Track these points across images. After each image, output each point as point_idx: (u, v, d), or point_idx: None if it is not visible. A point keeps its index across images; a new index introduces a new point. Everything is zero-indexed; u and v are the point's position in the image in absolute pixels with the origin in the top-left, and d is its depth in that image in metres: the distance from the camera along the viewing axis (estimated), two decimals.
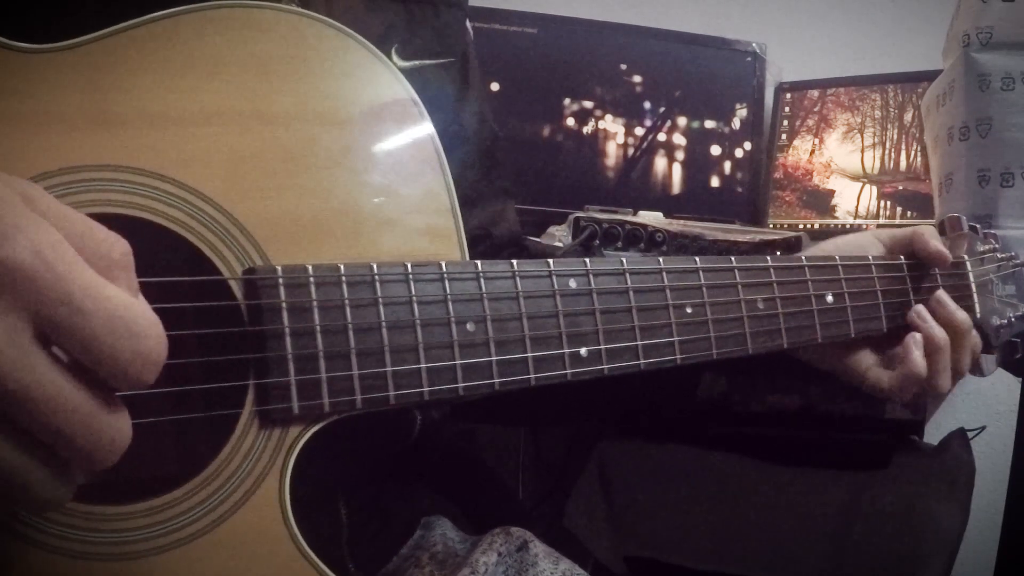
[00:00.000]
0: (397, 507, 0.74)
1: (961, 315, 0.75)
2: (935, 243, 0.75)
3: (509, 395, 0.55)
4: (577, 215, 1.25)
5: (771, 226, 1.62)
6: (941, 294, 0.75)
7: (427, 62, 0.74)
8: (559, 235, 1.25)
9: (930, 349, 0.72)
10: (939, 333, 0.73)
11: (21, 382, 0.32)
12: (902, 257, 0.77)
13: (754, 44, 1.64)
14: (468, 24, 0.83)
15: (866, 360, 0.75)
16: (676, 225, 1.24)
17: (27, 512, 0.40)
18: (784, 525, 1.27)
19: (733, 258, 0.64)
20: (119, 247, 0.35)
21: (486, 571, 0.67)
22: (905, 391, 0.72)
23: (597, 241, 1.19)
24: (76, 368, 0.34)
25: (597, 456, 1.37)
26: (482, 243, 0.81)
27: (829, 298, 0.70)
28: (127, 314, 0.34)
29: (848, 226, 1.56)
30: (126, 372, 0.34)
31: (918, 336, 0.73)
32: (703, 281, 0.62)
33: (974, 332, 0.76)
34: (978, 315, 0.79)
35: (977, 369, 0.78)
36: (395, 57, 0.70)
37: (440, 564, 0.70)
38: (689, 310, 0.61)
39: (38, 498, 0.34)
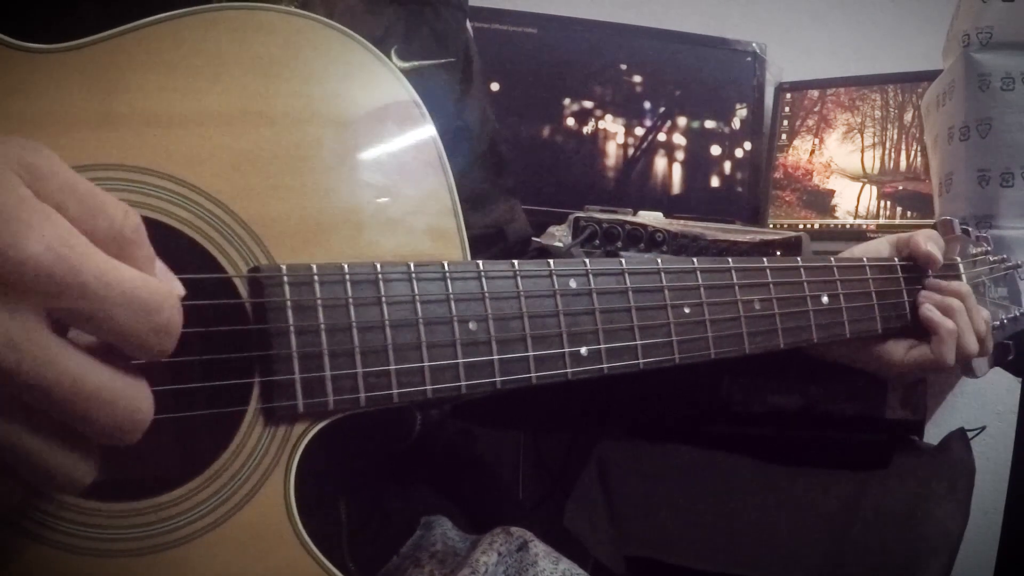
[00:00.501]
0: (397, 506, 0.75)
1: (957, 283, 0.79)
2: (927, 245, 0.77)
3: (516, 399, 0.55)
4: (577, 215, 1.25)
5: (771, 226, 1.62)
6: (930, 281, 0.78)
7: (427, 63, 0.75)
8: (559, 235, 1.25)
9: (948, 314, 0.75)
10: (951, 301, 0.76)
11: (44, 377, 0.32)
12: (896, 259, 0.77)
13: (754, 44, 1.64)
14: (468, 24, 0.83)
15: (899, 348, 0.77)
16: (676, 225, 1.24)
17: (54, 491, 0.40)
18: (784, 525, 1.27)
19: (730, 259, 0.65)
20: (130, 222, 0.35)
21: (486, 571, 0.67)
22: (948, 353, 0.75)
23: (619, 244, 1.19)
24: (93, 349, 0.34)
25: (597, 456, 1.37)
26: (497, 242, 0.81)
27: (825, 299, 0.70)
28: (141, 292, 0.34)
29: (848, 226, 1.56)
30: (146, 346, 0.35)
31: (930, 306, 0.76)
32: (701, 282, 0.62)
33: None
34: None
35: (969, 371, 0.79)
36: (395, 58, 0.71)
37: (440, 563, 0.71)
38: (687, 310, 0.61)
39: (62, 481, 0.35)
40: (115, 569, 0.43)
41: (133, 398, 0.35)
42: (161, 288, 0.35)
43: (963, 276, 0.81)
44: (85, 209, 0.34)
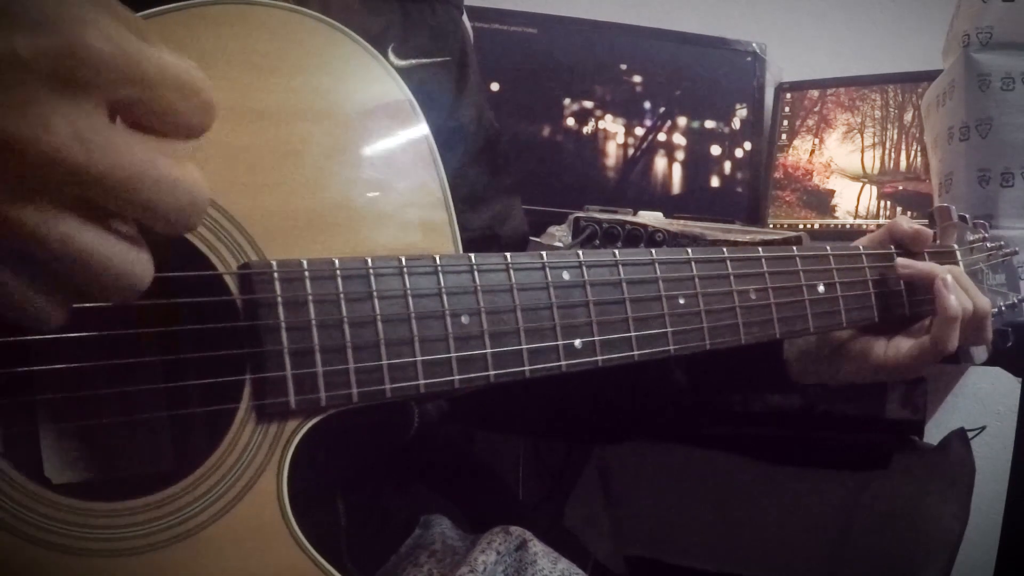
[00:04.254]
0: (396, 506, 0.74)
1: (931, 264, 0.76)
2: (909, 223, 0.76)
3: (514, 402, 0.55)
4: (577, 215, 1.25)
5: (771, 226, 1.61)
6: (901, 260, 0.76)
7: (424, 61, 0.75)
8: (559, 235, 1.25)
9: (938, 284, 0.73)
10: (933, 269, 0.74)
11: (113, 165, 0.32)
12: (893, 247, 0.77)
13: (754, 44, 1.64)
14: (467, 22, 0.83)
15: (904, 344, 0.75)
16: (676, 225, 1.23)
17: (112, 297, 0.36)
18: (784, 525, 1.27)
19: (725, 249, 0.65)
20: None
21: (485, 570, 0.66)
22: (951, 337, 0.72)
23: (620, 244, 1.19)
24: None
25: (597, 456, 1.37)
26: (492, 244, 0.81)
27: (821, 288, 0.70)
28: (187, 76, 0.34)
29: (848, 226, 1.56)
30: (193, 124, 0.35)
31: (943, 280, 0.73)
32: (695, 272, 0.62)
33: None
34: None
35: (967, 356, 0.78)
36: (392, 56, 0.70)
37: (439, 563, 0.70)
38: (682, 301, 0.61)
39: (121, 278, 0.34)
40: (107, 569, 0.43)
41: (191, 178, 0.34)
42: (198, 68, 0.35)
43: (960, 263, 0.81)
44: None
